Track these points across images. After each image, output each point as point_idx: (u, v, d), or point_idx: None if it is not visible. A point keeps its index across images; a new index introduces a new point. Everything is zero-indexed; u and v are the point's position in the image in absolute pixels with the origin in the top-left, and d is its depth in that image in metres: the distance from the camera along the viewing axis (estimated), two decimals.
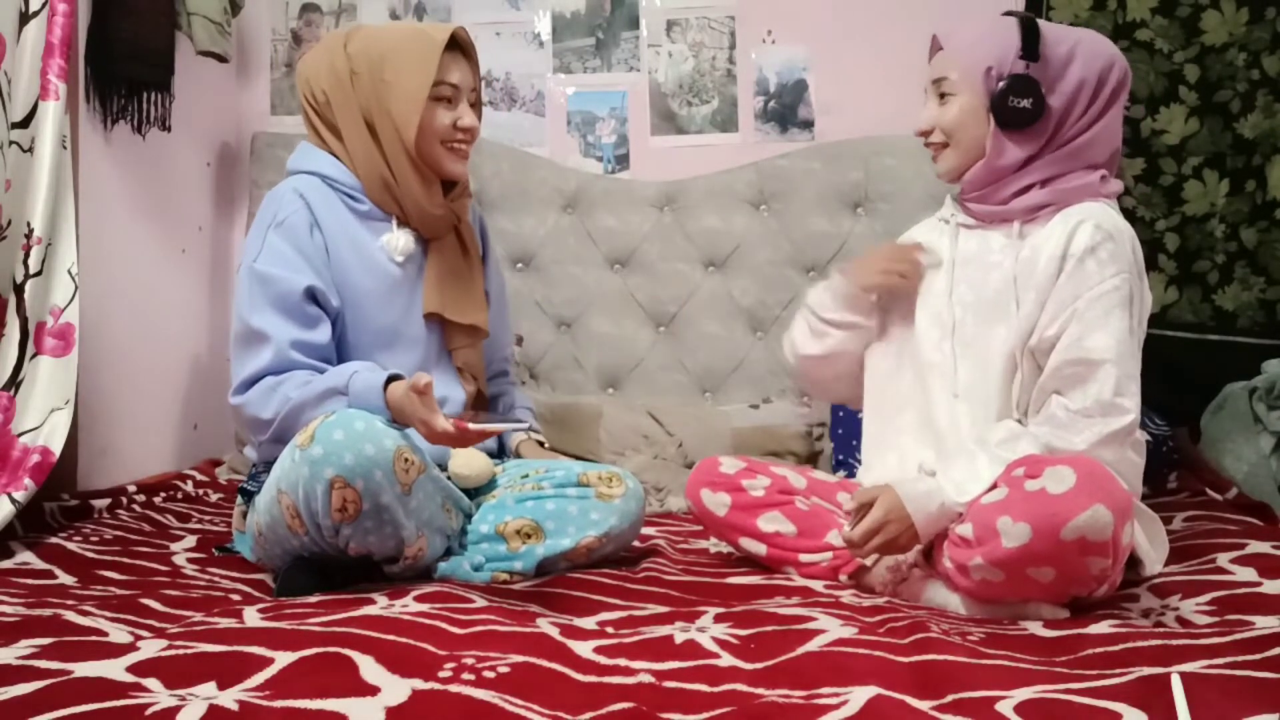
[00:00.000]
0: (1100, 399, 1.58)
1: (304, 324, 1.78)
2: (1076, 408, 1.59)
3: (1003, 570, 1.48)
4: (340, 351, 1.85)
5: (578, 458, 2.30)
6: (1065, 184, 1.71)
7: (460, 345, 1.96)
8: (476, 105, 1.93)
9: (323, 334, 1.80)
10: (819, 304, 1.90)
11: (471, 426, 1.59)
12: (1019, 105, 1.67)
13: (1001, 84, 1.68)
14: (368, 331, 1.86)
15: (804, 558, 1.79)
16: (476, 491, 1.91)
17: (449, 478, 1.85)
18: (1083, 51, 1.71)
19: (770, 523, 1.81)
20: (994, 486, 1.54)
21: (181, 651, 1.26)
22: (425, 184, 1.89)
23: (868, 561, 1.73)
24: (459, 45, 1.88)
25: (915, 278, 1.82)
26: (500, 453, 2.05)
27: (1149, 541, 1.67)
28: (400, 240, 1.88)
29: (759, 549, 1.83)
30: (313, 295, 1.79)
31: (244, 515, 1.85)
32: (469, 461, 1.86)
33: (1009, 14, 1.75)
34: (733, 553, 2.00)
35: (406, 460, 1.59)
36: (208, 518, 2.22)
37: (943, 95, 1.75)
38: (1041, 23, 1.72)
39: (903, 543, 1.62)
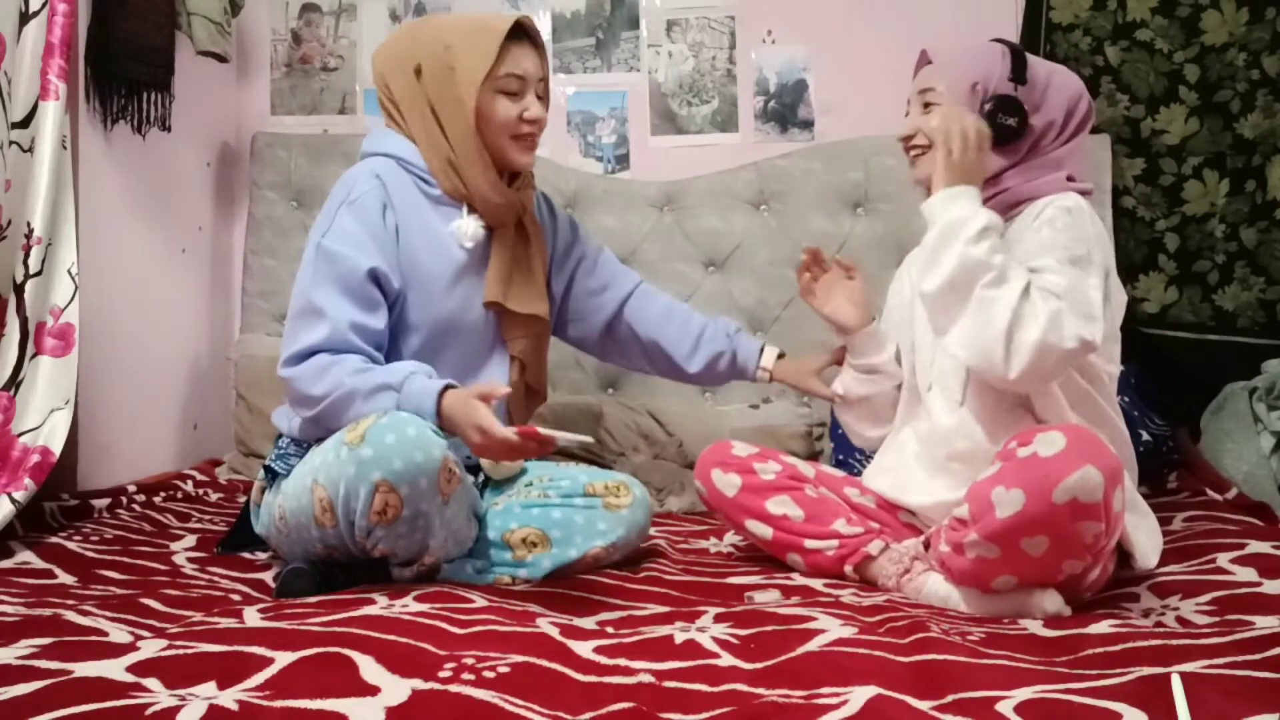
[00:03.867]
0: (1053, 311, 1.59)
1: (363, 306, 1.76)
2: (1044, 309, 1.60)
3: (997, 544, 1.50)
4: (398, 332, 1.84)
5: (589, 461, 2.30)
6: (1032, 183, 1.77)
7: (517, 335, 1.94)
8: (545, 96, 1.92)
9: (380, 320, 1.78)
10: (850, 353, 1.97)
11: (542, 431, 1.56)
12: (1005, 123, 1.75)
13: (990, 103, 1.76)
14: (428, 316, 1.85)
15: (809, 544, 1.80)
16: (498, 487, 1.92)
17: (481, 472, 1.87)
18: (1058, 81, 1.81)
19: (779, 506, 1.82)
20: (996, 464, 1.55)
21: (181, 651, 1.26)
22: (487, 171, 1.86)
23: (875, 558, 1.75)
24: (526, 35, 1.87)
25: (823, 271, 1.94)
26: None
27: (1143, 536, 1.68)
28: (470, 226, 1.86)
29: (765, 532, 1.83)
30: (375, 277, 1.78)
31: (262, 490, 1.84)
32: None
33: (997, 41, 1.83)
34: (733, 552, 2.00)
35: (450, 471, 1.60)
36: (208, 518, 2.22)
37: (927, 105, 1.82)
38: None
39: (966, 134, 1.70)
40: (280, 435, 1.87)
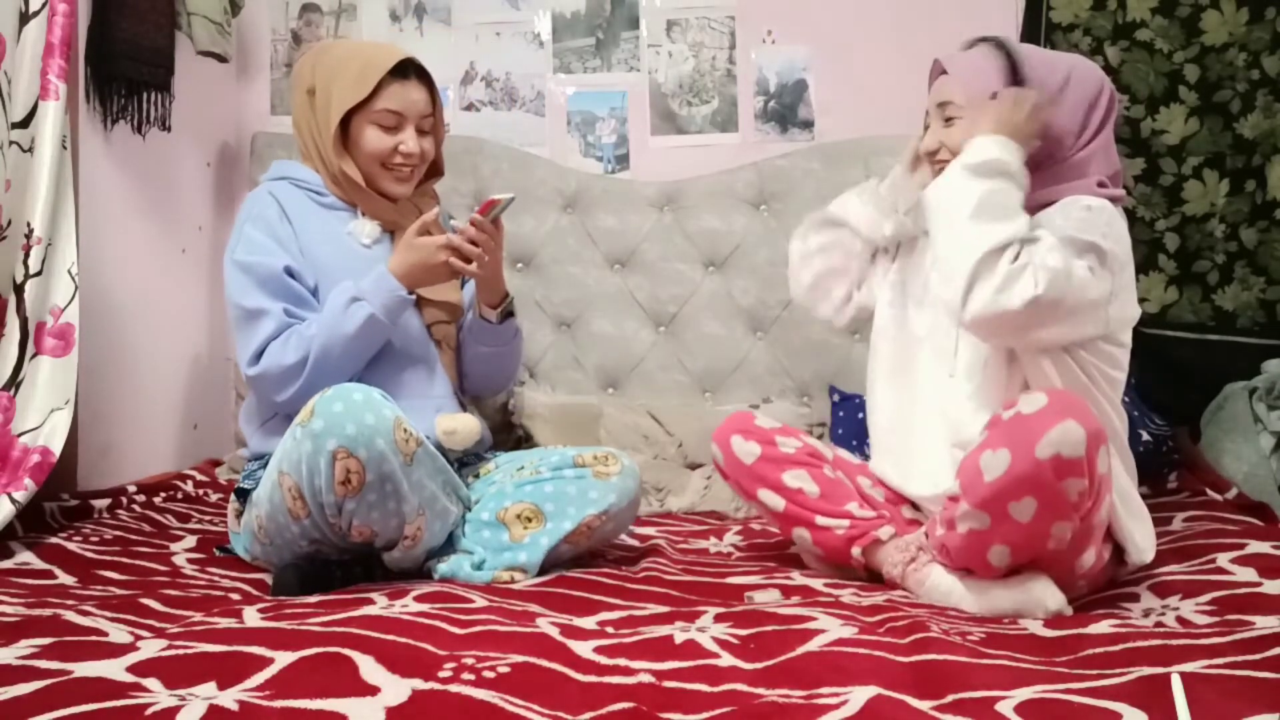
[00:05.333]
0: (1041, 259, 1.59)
1: (293, 301, 1.87)
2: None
3: (986, 511, 1.52)
4: None
5: None
6: (1060, 186, 1.75)
7: (437, 320, 2.01)
8: (433, 131, 2.02)
9: (311, 311, 1.87)
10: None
11: (490, 200, 1.88)
12: None
13: None
14: None
15: (820, 520, 1.79)
16: (477, 477, 1.93)
17: (438, 446, 1.87)
18: (1077, 77, 1.77)
19: (795, 479, 1.82)
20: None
21: (181, 651, 1.26)
22: (356, 189, 1.96)
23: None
24: (415, 75, 1.97)
25: None
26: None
27: (1137, 532, 1.69)
28: (365, 226, 1.98)
29: (778, 503, 1.83)
30: (291, 274, 1.88)
31: (238, 515, 1.85)
32: (454, 419, 1.91)
33: (988, 39, 1.81)
34: (733, 552, 2.00)
35: (405, 430, 1.63)
36: (208, 518, 2.22)
37: (949, 119, 1.80)
38: (1034, 49, 1.83)
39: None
40: (248, 461, 1.92)
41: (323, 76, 1.95)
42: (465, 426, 1.90)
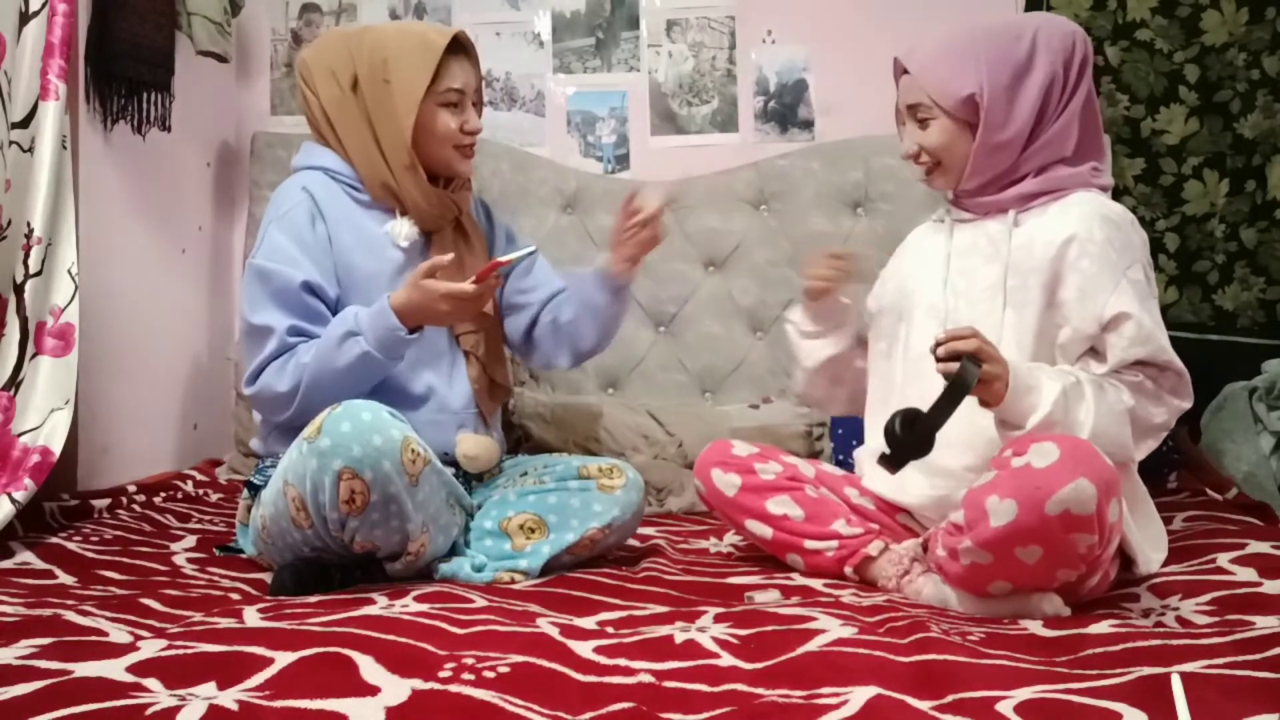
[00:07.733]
0: (1177, 386, 1.68)
1: (304, 316, 1.80)
2: (1158, 384, 1.67)
3: (991, 552, 1.49)
4: None
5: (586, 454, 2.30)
6: (1057, 173, 1.75)
7: (466, 330, 1.95)
8: (478, 105, 1.97)
9: (322, 327, 1.81)
10: (798, 319, 1.97)
11: (498, 260, 1.75)
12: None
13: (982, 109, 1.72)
14: None
15: (809, 544, 1.80)
16: (480, 482, 1.93)
17: (456, 463, 1.87)
18: (1043, 38, 1.74)
19: (779, 506, 1.82)
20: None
21: (181, 651, 1.26)
22: (420, 181, 1.88)
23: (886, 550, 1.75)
24: (462, 48, 1.90)
25: (842, 280, 1.90)
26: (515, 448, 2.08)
27: (1148, 541, 1.68)
28: (403, 227, 1.89)
29: (765, 532, 1.83)
30: (310, 289, 1.81)
31: (249, 509, 1.85)
32: (477, 443, 1.89)
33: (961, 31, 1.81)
34: (733, 552, 2.00)
35: (413, 451, 1.61)
36: (208, 518, 2.22)
37: (922, 120, 1.78)
38: (1000, 17, 1.77)
39: (995, 388, 1.55)
40: (262, 458, 1.90)
41: (373, 63, 1.84)
42: (487, 452, 1.90)
